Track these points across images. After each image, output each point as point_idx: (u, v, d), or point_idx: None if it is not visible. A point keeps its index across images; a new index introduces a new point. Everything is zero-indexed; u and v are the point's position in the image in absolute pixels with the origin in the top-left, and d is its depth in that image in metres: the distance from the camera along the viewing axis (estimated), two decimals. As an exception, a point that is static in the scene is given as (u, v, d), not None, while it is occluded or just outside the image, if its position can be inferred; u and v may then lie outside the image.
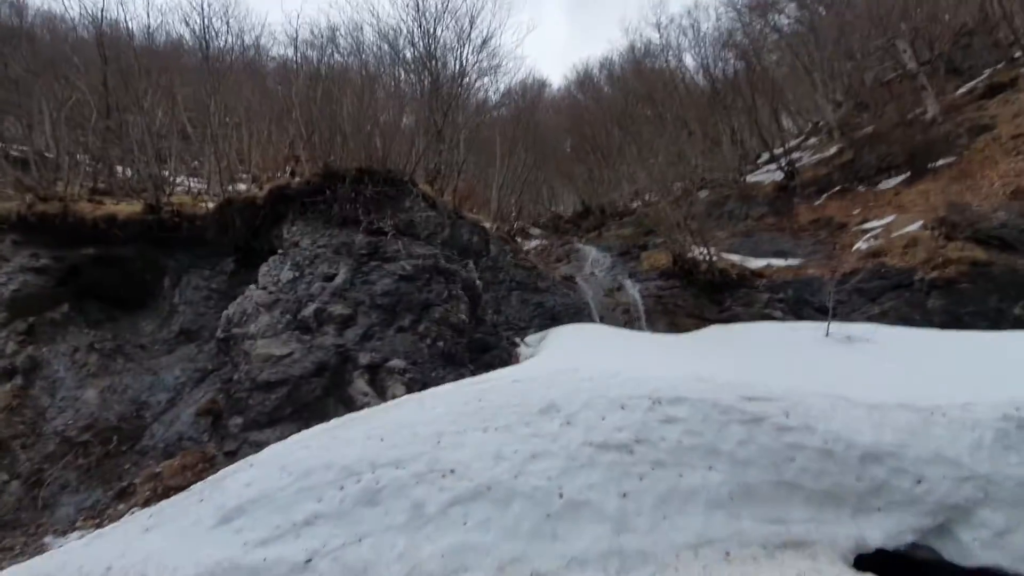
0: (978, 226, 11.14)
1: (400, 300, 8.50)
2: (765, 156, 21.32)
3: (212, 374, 8.04)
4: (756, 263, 12.89)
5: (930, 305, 10.37)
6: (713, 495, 5.10)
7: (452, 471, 5.19)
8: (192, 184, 11.64)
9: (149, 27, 18.86)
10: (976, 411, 5.72)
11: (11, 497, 6.66)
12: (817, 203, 16.70)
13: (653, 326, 11.52)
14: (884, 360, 7.95)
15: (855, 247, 12.68)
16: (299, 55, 15.22)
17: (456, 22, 19.65)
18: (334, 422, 6.33)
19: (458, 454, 5.36)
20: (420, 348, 8.21)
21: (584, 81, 33.36)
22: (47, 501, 6.59)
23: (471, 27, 18.10)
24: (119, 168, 11.33)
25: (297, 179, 9.80)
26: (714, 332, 10.46)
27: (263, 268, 8.57)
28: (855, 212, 14.94)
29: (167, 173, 11.09)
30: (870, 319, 10.12)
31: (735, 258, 13.06)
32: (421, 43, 17.56)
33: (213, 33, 17.45)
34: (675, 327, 11.38)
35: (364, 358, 7.83)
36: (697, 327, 11.14)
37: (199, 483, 5.78)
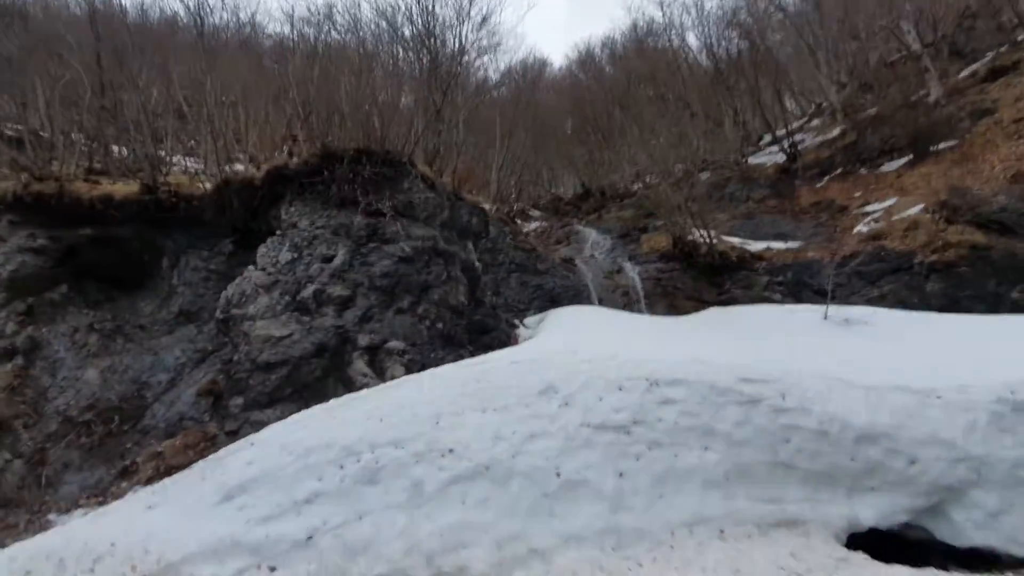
0: (979, 210, 11.12)
1: (399, 282, 8.49)
2: (767, 138, 21.13)
3: (212, 355, 8.07)
4: (756, 246, 12.87)
5: (929, 288, 10.39)
6: (709, 475, 5.17)
7: (451, 451, 5.25)
8: (189, 164, 11.52)
9: (143, 4, 18.54)
10: (971, 393, 5.77)
11: (14, 476, 6.73)
12: (819, 185, 16.61)
13: (652, 308, 11.55)
14: (882, 343, 8.00)
15: (855, 230, 12.66)
16: (296, 32, 14.99)
17: (455, -1, 19.30)
18: (334, 402, 6.38)
19: (457, 434, 5.41)
20: (419, 330, 8.23)
21: (585, 61, 32.89)
22: (50, 480, 6.66)
23: (470, 4, 17.80)
24: (115, 147, 11.22)
25: (295, 159, 9.71)
26: (713, 315, 10.49)
27: (261, 249, 8.54)
28: (856, 195, 14.88)
29: (163, 153, 10.98)
30: (869, 302, 10.15)
31: (735, 241, 13.03)
32: (419, 20, 17.29)
33: (208, 10, 17.15)
34: (674, 309, 11.41)
35: (363, 339, 7.85)
36: (696, 310, 11.17)
37: (201, 462, 5.84)
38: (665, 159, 15.43)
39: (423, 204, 9.50)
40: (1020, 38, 17.86)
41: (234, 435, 6.60)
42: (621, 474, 5.14)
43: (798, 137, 19.98)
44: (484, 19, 18.54)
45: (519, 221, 16.93)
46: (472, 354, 7.89)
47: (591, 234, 16.07)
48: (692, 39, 26.63)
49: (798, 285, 11.43)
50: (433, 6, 16.96)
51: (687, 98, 23.36)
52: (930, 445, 5.35)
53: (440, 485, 4.99)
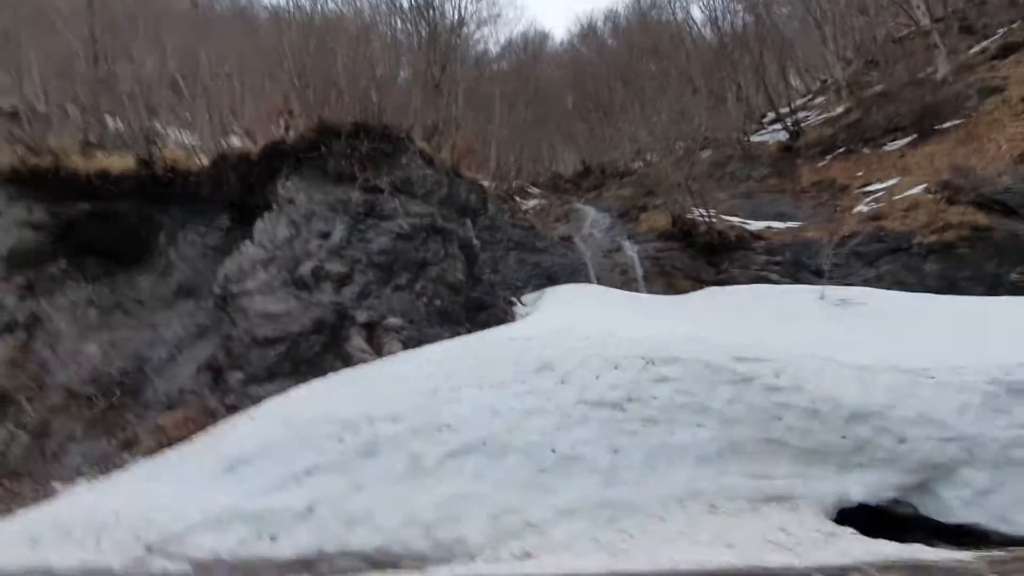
0: (981, 190, 11.03)
1: (397, 259, 8.49)
2: (771, 115, 20.86)
3: (211, 330, 8.11)
4: (755, 225, 12.83)
5: (927, 269, 10.40)
6: (702, 451, 5.26)
7: (448, 426, 5.33)
8: (184, 138, 11.40)
9: (134, -29, 18.02)
10: (965, 374, 5.83)
11: (19, 447, 6.84)
12: (821, 164, 16.46)
13: (650, 287, 11.57)
14: (877, 323, 8.04)
15: (856, 210, 12.60)
16: (291, 2, 14.61)
17: (455, -33, 18.74)
18: (332, 377, 6.45)
19: (454, 409, 5.49)
20: (417, 306, 8.26)
21: (587, 34, 32.21)
22: (54, 451, 6.77)
23: (469, -27, 17.33)
24: (109, 120, 11.08)
25: (292, 134, 9.60)
26: (710, 294, 10.51)
27: (259, 225, 8.51)
28: (858, 174, 14.76)
29: (158, 126, 10.84)
30: (866, 282, 10.16)
31: (735, 220, 12.98)
32: (418, -11, 16.85)
33: (201, -22, 16.74)
34: (672, 288, 11.43)
35: (361, 316, 7.88)
36: (694, 289, 11.19)
37: (201, 435, 5.93)
38: (666, 136, 15.25)
39: (421, 180, 9.43)
40: (1034, 13, 17.47)
41: (234, 409, 6.68)
42: (616, 450, 5.23)
43: (801, 115, 19.73)
44: (484, -12, 18.05)
45: (518, 198, 16.83)
46: (469, 331, 7.93)
47: (590, 212, 16.00)
48: (696, 12, 25.90)
49: (796, 265, 11.43)
50: (431, -25, 16.49)
51: (690, 73, 22.96)
52: (920, 424, 5.43)
53: (438, 459, 5.08)
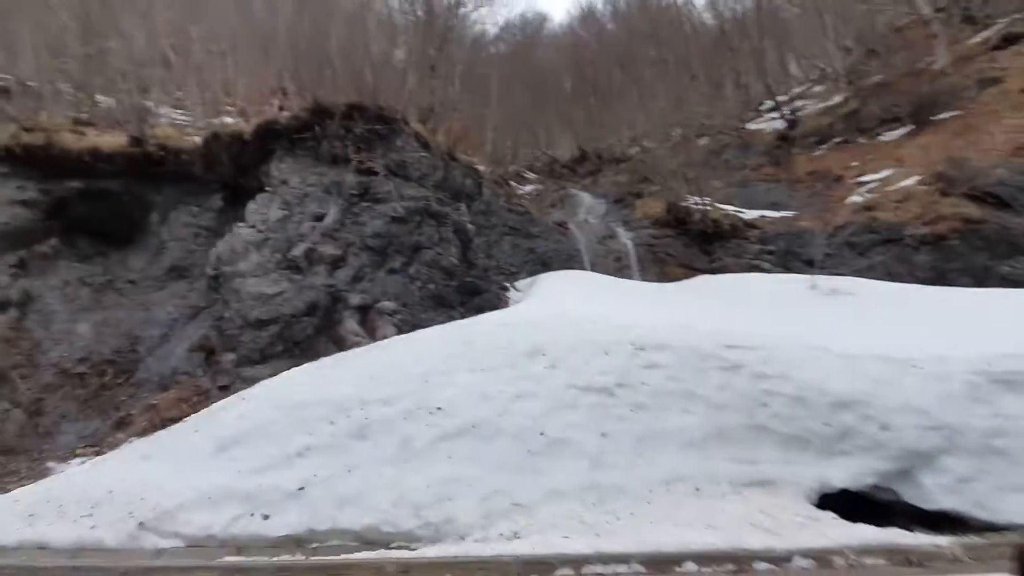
0: (975, 182, 11.06)
1: (391, 242, 8.49)
2: (768, 103, 20.74)
3: (204, 311, 8.12)
4: (750, 214, 12.84)
5: (917, 260, 10.47)
6: (689, 436, 5.34)
7: (439, 409, 5.38)
8: (176, 116, 11.25)
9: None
10: (949, 364, 5.91)
11: (14, 425, 6.86)
12: (816, 154, 16.43)
13: (644, 275, 11.61)
14: (866, 313, 8.12)
15: (849, 200, 12.62)
16: (286, -22, 14.32)
17: (453, -56, 18.38)
18: (325, 360, 6.48)
19: (446, 393, 5.54)
20: (411, 290, 8.28)
21: (587, 17, 31.76)
22: (48, 429, 6.80)
23: (468, -50, 17.00)
24: (101, 97, 10.92)
25: (285, 114, 9.52)
26: (702, 282, 10.57)
27: (251, 206, 8.47)
28: (853, 164, 14.75)
29: (150, 104, 10.70)
30: (857, 273, 10.22)
31: (729, 208, 12.99)
32: (415, -33, 16.52)
33: (193, -48, 16.30)
34: (665, 276, 11.47)
35: (355, 299, 7.90)
36: (687, 277, 11.24)
37: (194, 415, 5.97)
38: (663, 123, 15.18)
39: (416, 164, 9.39)
40: (1038, 3, 17.32)
41: (226, 390, 6.72)
42: (604, 434, 5.30)
43: (799, 103, 19.63)
44: (482, -33, 17.71)
45: (514, 183, 16.76)
46: (463, 315, 7.98)
47: (586, 198, 15.96)
48: (697, -4, 25.60)
49: (788, 255, 11.48)
50: (429, -47, 16.14)
51: (689, 59, 22.76)
52: (903, 412, 5.52)
53: (428, 441, 5.15)
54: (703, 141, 17.70)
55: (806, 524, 4.67)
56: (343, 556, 4.26)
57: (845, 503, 5.23)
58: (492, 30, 23.11)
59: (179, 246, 8.65)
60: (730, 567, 4.10)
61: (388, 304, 7.93)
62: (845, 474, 5.31)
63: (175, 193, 8.93)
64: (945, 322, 7.52)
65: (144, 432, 6.28)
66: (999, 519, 5.01)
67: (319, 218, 8.42)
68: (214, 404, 6.12)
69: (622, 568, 4.07)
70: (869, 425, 5.42)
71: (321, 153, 8.84)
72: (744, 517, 4.66)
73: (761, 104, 21.55)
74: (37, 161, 8.26)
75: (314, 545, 4.43)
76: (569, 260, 11.81)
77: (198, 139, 9.17)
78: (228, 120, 10.42)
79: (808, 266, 10.28)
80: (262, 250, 8.00)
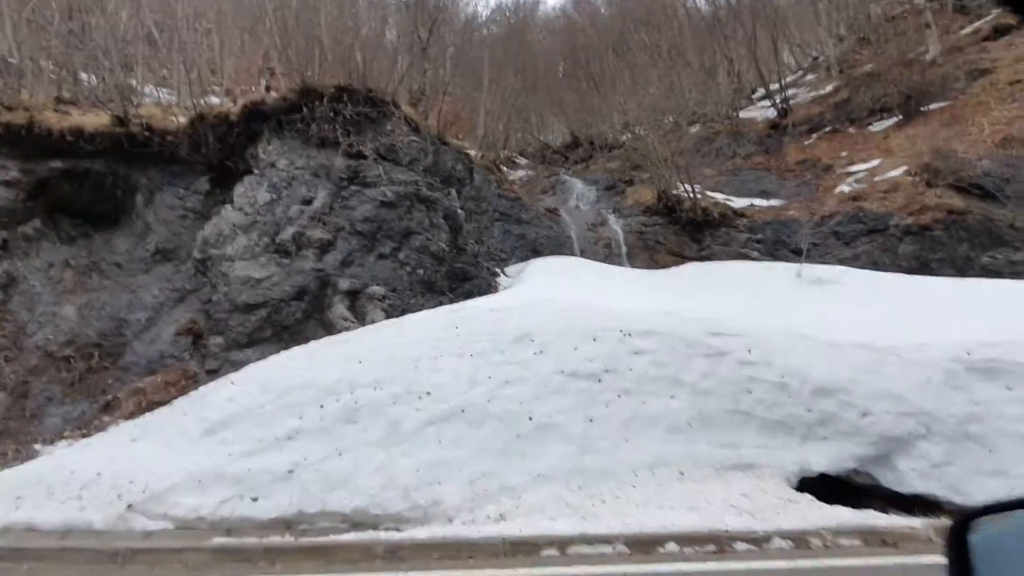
0: (960, 173, 11.19)
1: (380, 227, 8.45)
2: (760, 92, 20.74)
3: (191, 294, 8.05)
4: (739, 202, 12.92)
5: (901, 250, 10.62)
6: (673, 421, 5.44)
7: (428, 393, 5.43)
8: (161, 95, 11.03)
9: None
10: (928, 352, 6.05)
11: (0, 407, 6.81)
12: (807, 143, 16.52)
13: (633, 262, 11.67)
14: (850, 302, 8.26)
15: (837, 190, 12.73)
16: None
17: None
18: (314, 344, 6.49)
19: (434, 378, 5.59)
20: (400, 275, 8.27)
21: (581, 0, 31.47)
22: (34, 412, 6.76)
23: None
24: (83, 75, 10.66)
25: (272, 95, 9.37)
26: (691, 270, 10.66)
27: (238, 188, 8.37)
28: (843, 154, 14.86)
29: (134, 82, 10.48)
30: (842, 262, 10.36)
31: (719, 196, 13.05)
32: (406, -54, 16.19)
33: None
34: (655, 263, 11.54)
35: (344, 283, 7.88)
36: (676, 264, 11.32)
37: (182, 398, 5.98)
38: (655, 110, 15.13)
39: (406, 148, 9.31)
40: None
41: (214, 374, 6.71)
42: (591, 419, 5.39)
43: (791, 92, 19.65)
44: (475, -52, 17.39)
45: (505, 169, 16.68)
46: (452, 301, 7.99)
47: (577, 185, 15.94)
48: (692, -19, 25.35)
49: (776, 243, 11.59)
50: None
51: (682, 46, 22.64)
52: (883, 399, 5.66)
53: (417, 425, 5.20)
54: (695, 129, 17.69)
55: (786, 507, 4.80)
56: (332, 538, 4.33)
57: (824, 486, 5.39)
58: (484, 12, 22.81)
59: (165, 228, 8.54)
60: (711, 548, 4.22)
61: (377, 289, 7.92)
62: (825, 459, 5.46)
63: (160, 174, 8.79)
64: (926, 311, 7.66)
65: (131, 415, 6.26)
66: (972, 503, 5.17)
67: (308, 202, 8.35)
68: (203, 387, 6.12)
69: (606, 549, 4.18)
70: (849, 411, 5.56)
71: (309, 136, 8.73)
72: (726, 500, 4.78)
73: (754, 91, 21.56)
74: (19, 140, 8.08)
75: (303, 527, 4.49)
76: (560, 247, 11.83)
77: (183, 119, 9.01)
78: (214, 100, 10.23)
79: (796, 255, 10.39)
80: (250, 233, 7.93)
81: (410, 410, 5.30)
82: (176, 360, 7.30)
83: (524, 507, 4.67)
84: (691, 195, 12.31)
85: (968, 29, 17.77)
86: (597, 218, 13.25)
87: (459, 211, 9.66)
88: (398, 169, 9.01)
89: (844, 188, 12.62)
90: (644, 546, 4.19)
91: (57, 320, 7.59)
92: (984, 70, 14.86)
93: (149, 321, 7.81)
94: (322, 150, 8.73)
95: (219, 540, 4.26)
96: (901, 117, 15.08)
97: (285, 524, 4.48)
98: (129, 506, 4.45)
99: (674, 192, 12.50)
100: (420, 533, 4.36)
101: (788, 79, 20.56)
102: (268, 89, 9.97)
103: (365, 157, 8.76)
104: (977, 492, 5.08)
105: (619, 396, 5.55)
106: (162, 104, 10.05)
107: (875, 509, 5.14)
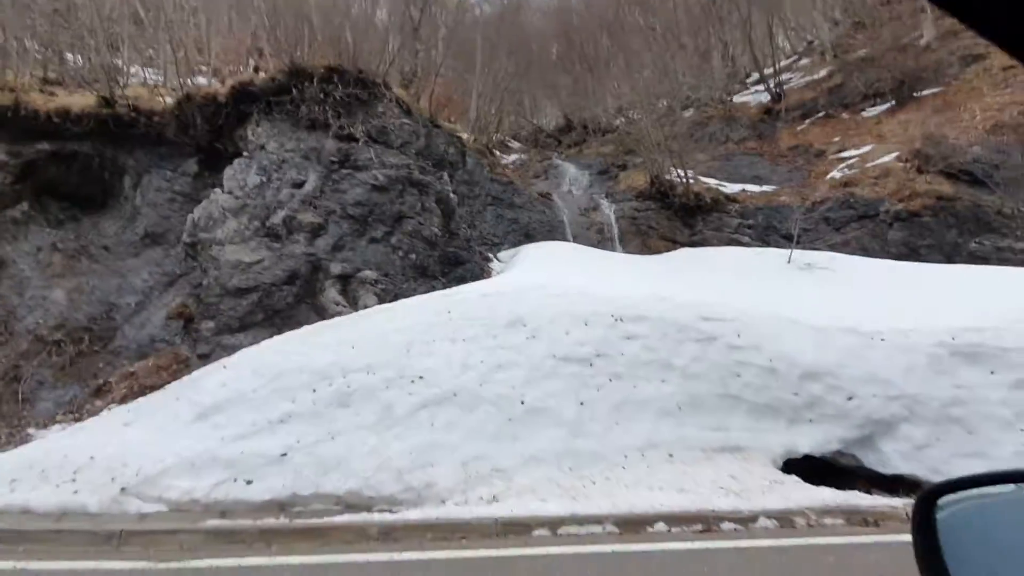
0: (951, 160, 11.26)
1: (372, 211, 8.40)
2: (755, 76, 20.66)
3: (181, 278, 8.01)
4: (732, 188, 12.94)
5: (891, 236, 10.72)
6: (663, 405, 5.52)
7: (421, 377, 5.46)
8: (147, 75, 10.82)
9: None
10: (914, 337, 6.14)
11: (-9, 391, 6.78)
12: (800, 128, 16.52)
13: (625, 247, 11.71)
14: (839, 287, 8.34)
15: (829, 176, 12.78)
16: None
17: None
18: (306, 329, 6.48)
19: (427, 362, 5.62)
20: (392, 260, 8.25)
21: (575, -20, 30.92)
22: (27, 396, 6.74)
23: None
24: (69, 55, 10.43)
25: (261, 75, 9.22)
26: (683, 255, 10.71)
27: (228, 171, 8.27)
28: (835, 139, 14.89)
29: (120, 62, 10.27)
30: (832, 248, 10.45)
31: (712, 182, 13.06)
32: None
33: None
34: (647, 248, 11.58)
35: (336, 268, 7.85)
36: (668, 249, 11.36)
37: (174, 382, 5.97)
38: (649, 93, 15.04)
39: (398, 130, 9.22)
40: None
41: (206, 358, 6.70)
42: (582, 403, 5.45)
43: (785, 76, 19.59)
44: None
45: (498, 152, 16.56)
46: (445, 286, 8.00)
47: (570, 169, 15.88)
48: (688, -38, 24.99)
49: (768, 229, 11.65)
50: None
51: (677, 28, 22.44)
52: (869, 383, 5.76)
53: (410, 409, 5.24)
54: (688, 113, 17.63)
55: (772, 487, 4.90)
56: (326, 519, 4.37)
57: (809, 467, 5.50)
58: (477, -8, 22.41)
59: (153, 212, 8.45)
60: (698, 527, 4.31)
61: (370, 273, 7.91)
62: (811, 441, 5.57)
63: (148, 156, 8.66)
64: (914, 297, 7.76)
65: (124, 399, 6.26)
66: (951, 483, 5.31)
67: (298, 185, 8.27)
68: (195, 372, 6.11)
69: (596, 529, 4.26)
70: (836, 395, 5.66)
71: (299, 117, 8.62)
72: (714, 481, 4.88)
73: (748, 76, 21.47)
74: (5, 122, 7.93)
75: (297, 509, 4.53)
76: (552, 231, 11.83)
77: (170, 100, 8.86)
78: (202, 80, 10.06)
79: (787, 240, 10.46)
80: (240, 217, 7.87)
81: (403, 394, 5.33)
82: (167, 344, 7.29)
83: (516, 489, 4.74)
84: (684, 180, 12.32)
85: (964, 13, 17.68)
86: (590, 203, 13.24)
87: (451, 195, 9.62)
88: (390, 152, 8.93)
89: (836, 174, 12.67)
90: (633, 526, 4.28)
91: (47, 304, 7.54)
92: (978, 55, 14.86)
93: (139, 305, 7.77)
94: (312, 132, 8.63)
95: (213, 522, 4.29)
96: (894, 102, 15.10)
97: (279, 506, 4.53)
98: (123, 489, 4.48)
99: (667, 177, 12.50)
100: (413, 514, 4.41)
101: (782, 63, 20.47)
102: (256, 70, 9.80)
103: (356, 140, 8.68)
104: (957, 472, 5.10)
105: (610, 380, 5.61)
106: (148, 85, 9.87)
107: (859, 490, 5.27)
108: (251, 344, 6.37)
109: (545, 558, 3.79)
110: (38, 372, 6.97)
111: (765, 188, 13.04)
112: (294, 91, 8.65)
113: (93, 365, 7.18)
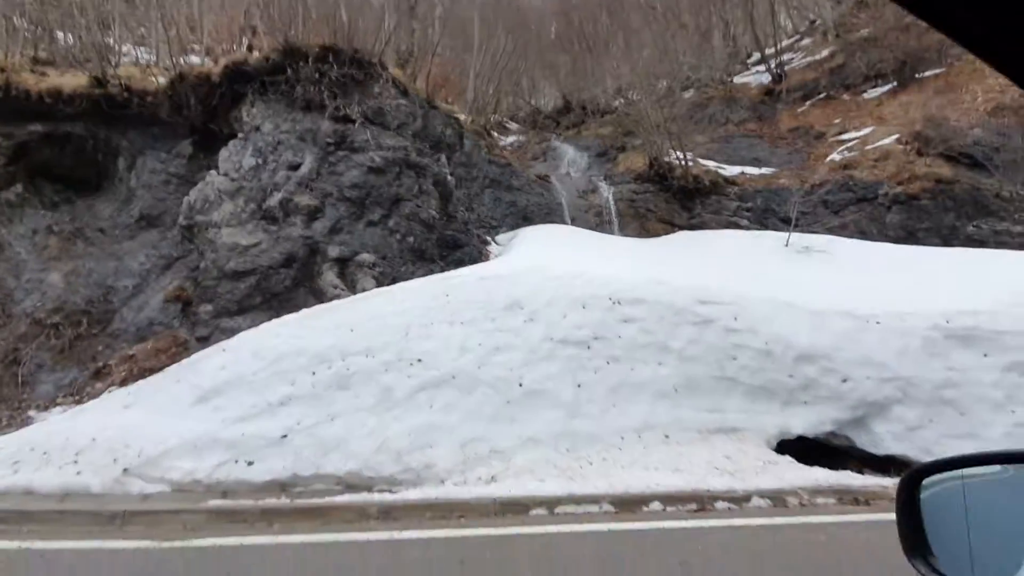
0: (951, 142, 11.19)
1: (369, 193, 8.35)
2: (756, 56, 20.40)
3: (178, 261, 7.99)
4: (731, 170, 12.87)
5: (889, 220, 10.71)
6: (660, 387, 5.58)
7: (419, 360, 5.50)
8: (139, 54, 10.64)
9: None
10: (909, 320, 6.19)
11: (-9, 374, 6.81)
12: (800, 110, 16.38)
13: (624, 230, 11.68)
14: (836, 270, 8.37)
15: (828, 158, 12.71)
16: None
17: None
18: (305, 312, 6.50)
19: (425, 345, 5.65)
20: (390, 243, 8.23)
21: (574, -43, 30.32)
22: (27, 379, 6.77)
23: None
24: (60, 34, 10.24)
25: (255, 54, 9.07)
26: (681, 238, 10.70)
27: (223, 153, 8.20)
28: (836, 121, 14.77)
29: (111, 41, 10.09)
30: (830, 231, 10.44)
31: (711, 164, 12.98)
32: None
33: None
34: (645, 232, 11.56)
35: (333, 251, 7.84)
36: (666, 232, 11.34)
37: (174, 365, 6.00)
38: (649, 74, 14.86)
39: (394, 111, 9.12)
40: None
41: (205, 341, 6.73)
42: (579, 385, 5.50)
43: (787, 57, 19.34)
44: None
45: (495, 134, 16.41)
46: (443, 269, 8.00)
47: (568, 151, 15.76)
48: (690, -62, 24.51)
49: (766, 212, 11.62)
50: None
51: (677, 7, 22.07)
52: (863, 365, 5.82)
53: (409, 391, 5.29)
54: (688, 94, 17.44)
55: (765, 468, 4.99)
56: (327, 499, 4.44)
57: (803, 448, 5.59)
58: (475, -31, 21.92)
59: (148, 194, 8.39)
60: (693, 506, 4.39)
61: (367, 257, 7.89)
62: (805, 422, 5.65)
63: (142, 138, 8.57)
64: (910, 280, 7.79)
65: (123, 382, 6.30)
66: (941, 463, 5.40)
67: (294, 167, 8.20)
68: (194, 355, 6.14)
69: (592, 508, 4.33)
70: (830, 377, 5.72)
71: (294, 98, 8.50)
72: (709, 462, 4.96)
73: (749, 56, 21.20)
74: (-4, 102, 7.84)
75: (298, 489, 4.60)
76: (550, 214, 11.79)
77: (163, 80, 8.73)
78: (194, 59, 9.89)
79: (785, 223, 10.44)
80: (236, 199, 7.82)
81: (402, 377, 5.37)
82: (165, 327, 7.30)
83: (514, 469, 4.81)
84: (683, 162, 12.24)
85: (968, -8, 17.43)
86: (588, 185, 13.17)
87: (449, 177, 9.55)
88: (386, 133, 8.85)
89: (835, 156, 12.60)
90: (629, 505, 4.36)
91: (44, 287, 7.53)
92: (981, 36, 14.65)
93: (136, 288, 7.76)
94: (308, 113, 8.53)
95: (215, 502, 4.36)
96: (896, 84, 14.95)
97: (280, 487, 4.59)
98: (125, 470, 4.53)
99: (666, 159, 12.42)
100: (413, 494, 4.49)
101: (784, 43, 20.19)
102: (250, 49, 9.65)
103: (352, 121, 8.58)
104: (948, 453, 5.27)
105: (608, 363, 5.66)
106: (141, 64, 9.71)
107: (851, 470, 5.36)
108: (250, 327, 6.39)
109: (543, 536, 3.86)
110: (37, 355, 6.99)
111: (764, 171, 12.97)
112: (289, 71, 8.52)
113: (92, 348, 7.21)
